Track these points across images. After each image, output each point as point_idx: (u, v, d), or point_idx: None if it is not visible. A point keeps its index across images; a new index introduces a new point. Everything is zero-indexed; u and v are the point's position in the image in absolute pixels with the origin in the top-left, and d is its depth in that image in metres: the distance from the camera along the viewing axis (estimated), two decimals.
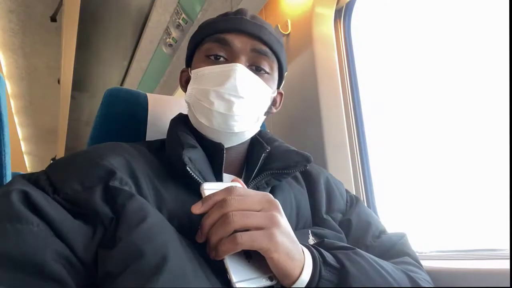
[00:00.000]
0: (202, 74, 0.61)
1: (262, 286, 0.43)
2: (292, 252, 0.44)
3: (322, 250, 0.49)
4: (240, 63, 0.60)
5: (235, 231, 0.42)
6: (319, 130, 1.07)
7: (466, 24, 0.96)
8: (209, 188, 0.47)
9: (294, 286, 0.43)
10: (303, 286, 0.44)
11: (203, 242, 0.46)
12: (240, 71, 0.59)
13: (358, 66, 1.19)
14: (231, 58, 0.62)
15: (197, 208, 0.44)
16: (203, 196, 0.46)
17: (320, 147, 1.06)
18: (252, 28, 0.63)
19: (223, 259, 0.42)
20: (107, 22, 2.20)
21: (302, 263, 0.44)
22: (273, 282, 0.44)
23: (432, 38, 1.05)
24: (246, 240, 0.41)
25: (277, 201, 0.47)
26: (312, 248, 0.48)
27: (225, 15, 0.66)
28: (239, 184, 0.51)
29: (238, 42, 0.62)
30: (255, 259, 0.44)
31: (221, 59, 0.62)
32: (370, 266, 0.49)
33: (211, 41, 0.63)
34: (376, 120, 1.15)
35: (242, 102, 0.59)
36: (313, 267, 0.45)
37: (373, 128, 1.14)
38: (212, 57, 0.62)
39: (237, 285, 0.41)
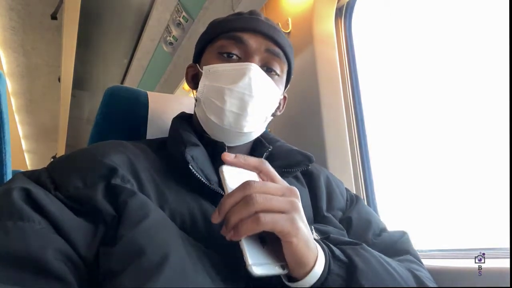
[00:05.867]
0: (215, 71, 0.61)
1: (275, 273, 0.42)
2: (309, 241, 0.44)
3: (330, 245, 0.48)
4: (253, 62, 0.60)
5: (256, 213, 0.41)
6: (319, 129, 1.07)
7: (467, 22, 0.96)
8: (228, 171, 0.47)
9: (306, 278, 0.43)
10: (315, 279, 0.43)
11: (206, 241, 0.46)
12: (255, 71, 0.60)
13: (359, 65, 1.19)
14: (245, 57, 0.62)
15: (215, 218, 0.44)
16: (223, 178, 0.46)
17: (321, 146, 1.06)
18: (268, 29, 0.63)
19: (239, 240, 0.42)
20: (107, 20, 2.20)
21: (316, 254, 0.44)
22: (285, 271, 0.43)
23: (434, 36, 1.05)
24: (269, 221, 0.41)
25: (297, 189, 0.47)
26: (321, 242, 0.48)
27: (239, 14, 0.66)
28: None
29: (253, 41, 0.62)
30: (269, 246, 0.44)
31: (234, 57, 0.62)
32: (377, 262, 0.49)
33: (226, 39, 0.63)
34: (377, 119, 1.15)
35: (255, 102, 0.59)
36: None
37: (373, 127, 1.14)
38: (225, 55, 0.62)
39: (252, 267, 0.40)
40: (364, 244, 0.52)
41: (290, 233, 0.42)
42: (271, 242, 0.44)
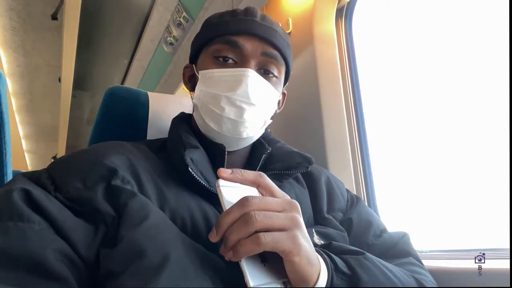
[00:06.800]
0: (211, 76, 0.60)
1: None
2: (311, 257, 0.42)
3: (333, 256, 0.48)
4: (250, 66, 0.59)
5: (256, 232, 0.40)
6: (320, 129, 1.07)
7: (467, 22, 0.96)
8: (224, 185, 0.45)
9: None
10: None
11: (207, 242, 0.46)
12: (252, 78, 0.59)
13: (360, 65, 1.19)
14: (241, 61, 0.61)
15: (213, 237, 0.42)
16: (220, 194, 0.44)
17: (321, 146, 1.06)
18: (264, 31, 0.62)
19: (239, 261, 0.40)
20: (108, 21, 2.20)
21: (319, 269, 0.43)
22: None
23: (434, 36, 1.05)
24: (269, 241, 0.39)
25: (297, 202, 0.45)
26: (323, 254, 0.47)
27: (234, 14, 0.64)
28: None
29: (249, 45, 0.60)
30: (270, 263, 0.43)
31: (230, 61, 0.61)
32: (381, 272, 0.49)
33: (221, 43, 0.61)
34: (377, 119, 1.15)
35: (253, 109, 0.58)
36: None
37: (374, 127, 1.14)
38: (221, 59, 0.61)
39: None
40: (366, 253, 0.51)
41: (292, 252, 0.40)
42: (272, 259, 0.43)
